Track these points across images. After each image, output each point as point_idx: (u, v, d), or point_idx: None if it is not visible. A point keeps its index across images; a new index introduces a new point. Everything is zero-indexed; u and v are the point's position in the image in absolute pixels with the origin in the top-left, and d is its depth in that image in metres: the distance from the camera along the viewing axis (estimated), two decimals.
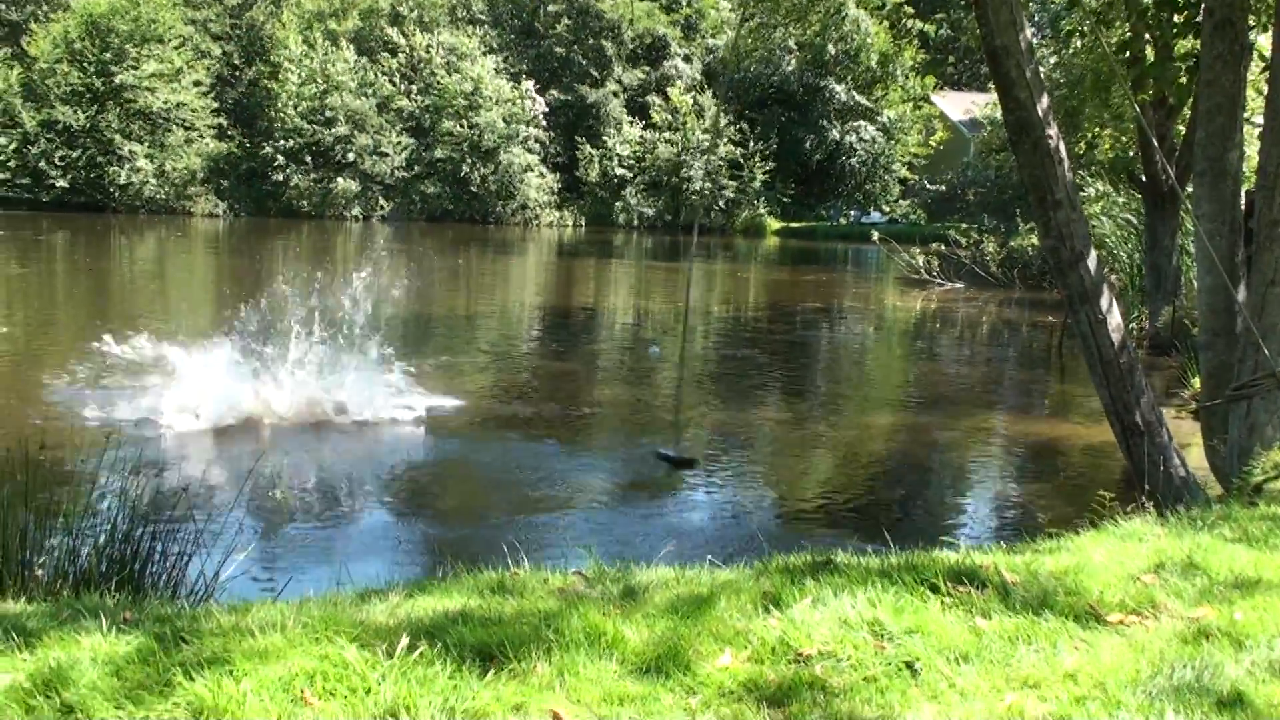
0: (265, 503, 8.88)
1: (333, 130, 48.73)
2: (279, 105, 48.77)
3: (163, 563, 5.63)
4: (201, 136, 48.33)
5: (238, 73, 51.78)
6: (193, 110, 47.99)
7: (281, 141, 48.57)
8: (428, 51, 50.94)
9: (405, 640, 3.31)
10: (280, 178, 48.60)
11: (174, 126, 47.42)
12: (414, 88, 51.19)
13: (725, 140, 52.38)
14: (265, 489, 9.20)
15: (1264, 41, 10.99)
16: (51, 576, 5.19)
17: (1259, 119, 9.18)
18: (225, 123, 49.77)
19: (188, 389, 11.43)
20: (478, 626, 3.45)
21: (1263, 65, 11.72)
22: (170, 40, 47.79)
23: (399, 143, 49.86)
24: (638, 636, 3.42)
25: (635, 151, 53.73)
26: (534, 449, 11.20)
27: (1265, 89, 9.12)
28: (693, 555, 7.12)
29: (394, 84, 50.92)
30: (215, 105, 49.40)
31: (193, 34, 49.80)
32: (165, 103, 46.92)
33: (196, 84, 48.58)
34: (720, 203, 53.49)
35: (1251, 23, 10.69)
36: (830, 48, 53.30)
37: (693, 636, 3.42)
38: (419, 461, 10.64)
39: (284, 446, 10.81)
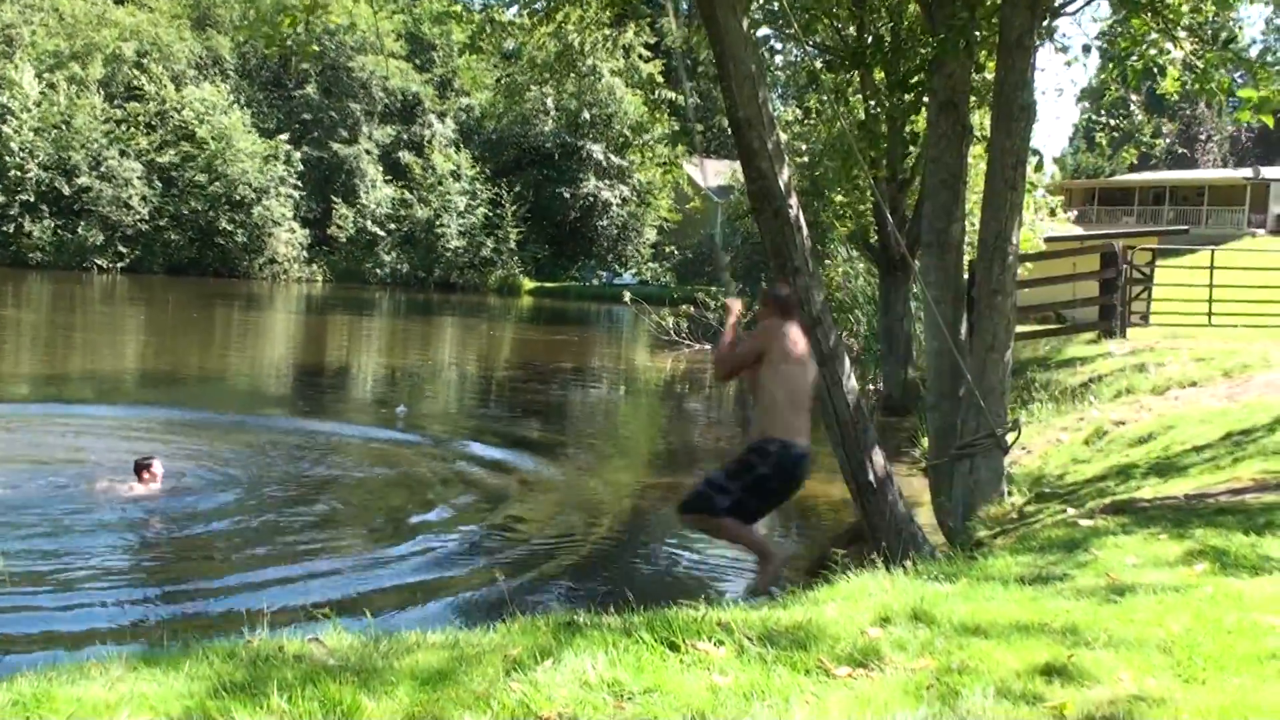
0: None
1: (74, 178, 46.48)
2: (10, 151, 46.18)
3: None
4: None
5: None
6: None
7: (12, 188, 45.94)
8: (179, 111, 49.16)
9: (126, 716, 3.15)
10: (11, 228, 45.95)
11: None
12: (161, 137, 49.34)
13: (480, 198, 52.59)
14: None
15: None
16: None
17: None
18: None
19: None
20: (206, 700, 3.31)
21: (983, 144, 12.59)
22: None
23: (144, 194, 47.90)
24: (377, 705, 3.34)
25: (389, 208, 53.22)
26: (277, 512, 10.81)
27: (985, 167, 9.80)
28: (437, 617, 7.03)
29: (140, 132, 48.98)
30: None
31: None
32: None
33: None
34: (474, 261, 53.46)
35: (972, 104, 11.49)
36: (585, 113, 54.21)
37: (433, 703, 3.37)
38: (147, 525, 10.11)
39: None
